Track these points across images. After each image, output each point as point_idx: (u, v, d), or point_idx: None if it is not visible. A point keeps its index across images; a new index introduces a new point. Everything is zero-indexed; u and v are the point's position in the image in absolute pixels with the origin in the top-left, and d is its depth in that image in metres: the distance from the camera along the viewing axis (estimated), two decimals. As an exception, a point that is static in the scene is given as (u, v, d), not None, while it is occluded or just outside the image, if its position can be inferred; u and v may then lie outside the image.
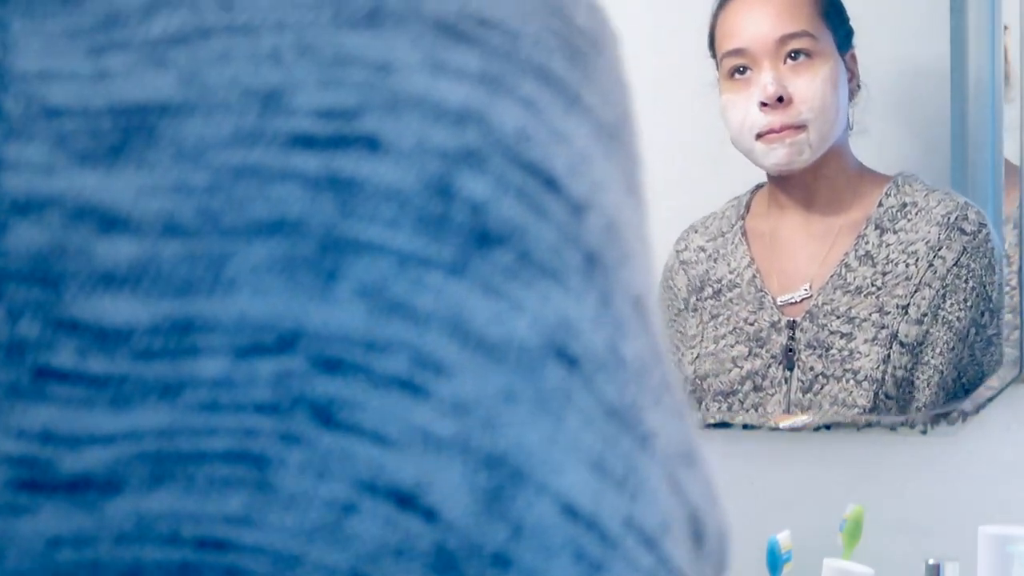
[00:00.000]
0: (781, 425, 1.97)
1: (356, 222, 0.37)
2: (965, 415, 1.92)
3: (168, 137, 0.37)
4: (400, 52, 0.39)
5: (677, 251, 2.09)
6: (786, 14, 1.97)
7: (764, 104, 1.96)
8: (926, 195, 1.95)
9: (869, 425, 1.94)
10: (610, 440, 0.38)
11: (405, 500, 0.36)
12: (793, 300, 1.98)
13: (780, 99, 1.95)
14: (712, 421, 2.00)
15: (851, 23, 1.98)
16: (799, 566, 1.84)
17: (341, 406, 0.36)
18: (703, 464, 0.42)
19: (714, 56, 2.03)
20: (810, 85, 1.95)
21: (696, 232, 2.08)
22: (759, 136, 1.97)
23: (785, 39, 1.96)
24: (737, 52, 1.99)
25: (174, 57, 0.38)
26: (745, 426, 1.99)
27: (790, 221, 2.02)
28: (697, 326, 2.04)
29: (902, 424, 1.93)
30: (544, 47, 0.41)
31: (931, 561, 1.76)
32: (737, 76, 1.99)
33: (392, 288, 0.37)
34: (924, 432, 1.92)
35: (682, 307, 2.07)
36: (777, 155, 1.96)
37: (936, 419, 1.92)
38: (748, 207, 2.06)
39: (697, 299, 2.05)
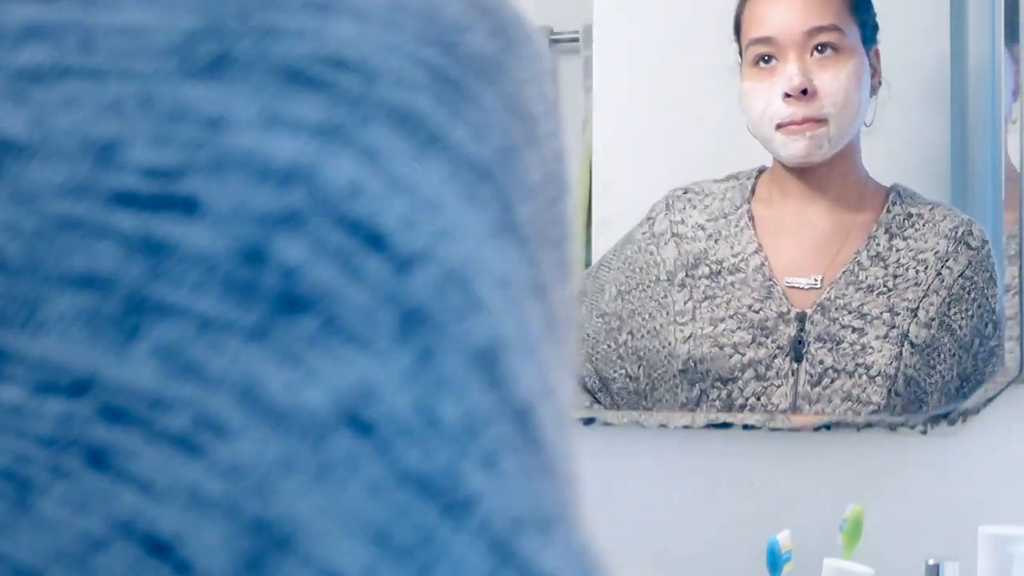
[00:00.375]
0: (795, 424, 1.97)
1: (162, 285, 0.37)
2: (965, 415, 1.92)
3: (10, 176, 0.38)
4: (235, 105, 0.38)
5: (671, 221, 2.07)
6: (815, 6, 1.96)
7: (788, 95, 1.94)
8: (931, 209, 1.96)
9: (869, 425, 1.94)
10: (401, 510, 0.36)
11: (159, 548, 0.36)
12: (799, 286, 1.98)
13: (804, 91, 1.94)
14: (713, 422, 2.00)
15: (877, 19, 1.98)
16: (799, 566, 1.84)
17: (115, 452, 0.36)
18: (569, 529, 0.40)
19: (738, 41, 2.02)
20: (835, 79, 1.94)
21: (694, 208, 2.07)
22: (779, 127, 1.96)
23: (813, 32, 1.95)
24: (764, 40, 1.98)
25: (30, 94, 0.38)
26: (745, 426, 1.99)
27: (795, 210, 2.01)
28: (686, 303, 2.03)
29: (902, 424, 1.93)
30: (406, 84, 0.40)
31: (931, 561, 1.76)
32: (762, 65, 1.98)
33: (188, 350, 0.37)
34: (924, 432, 1.93)
35: (665, 279, 2.05)
36: (797, 147, 1.96)
37: (936, 419, 1.92)
38: (753, 191, 2.05)
39: (687, 275, 2.04)
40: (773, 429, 1.97)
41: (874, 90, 1.97)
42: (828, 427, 1.95)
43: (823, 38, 1.95)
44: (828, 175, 1.98)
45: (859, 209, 1.99)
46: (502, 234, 0.41)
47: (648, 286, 2.06)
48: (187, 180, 0.38)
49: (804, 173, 2.00)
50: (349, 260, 0.38)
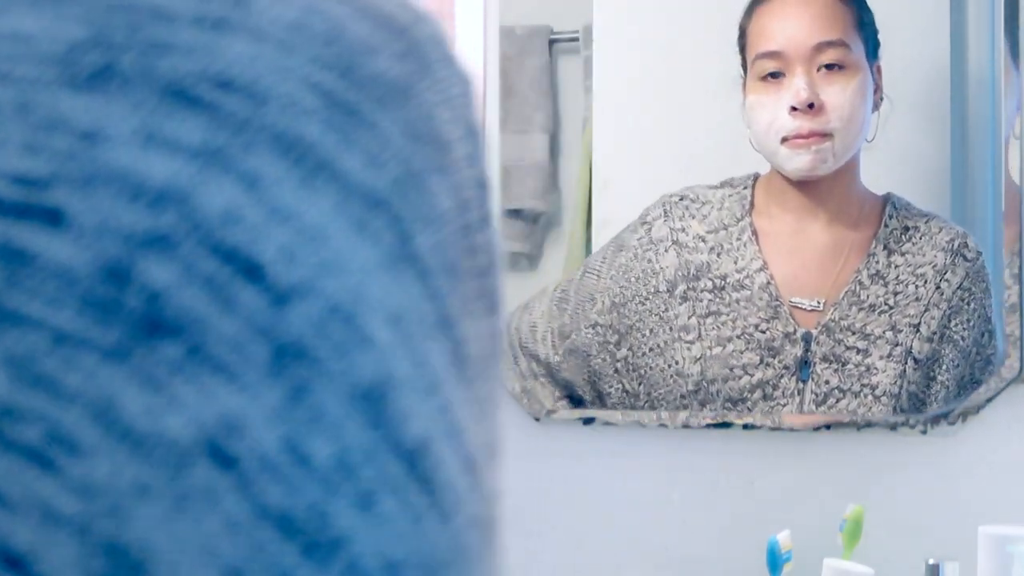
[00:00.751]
0: (795, 424, 1.97)
1: (18, 294, 0.36)
2: (965, 415, 1.92)
3: None
4: (113, 120, 0.37)
5: (671, 228, 2.07)
6: (823, 21, 1.96)
7: (794, 109, 1.94)
8: (926, 221, 1.96)
9: (869, 425, 1.94)
10: (258, 547, 0.35)
11: (14, 562, 0.35)
12: (802, 307, 1.98)
13: (811, 105, 1.93)
14: (713, 421, 2.00)
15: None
16: (799, 566, 1.84)
17: None
18: (471, 566, 0.39)
19: (741, 53, 2.02)
20: (842, 94, 1.94)
21: (693, 217, 2.06)
22: (784, 140, 1.96)
23: (821, 46, 1.95)
24: (771, 55, 1.97)
25: None
26: (745, 426, 1.99)
27: (795, 225, 2.01)
28: (689, 318, 2.03)
29: (902, 424, 1.93)
30: (296, 110, 0.39)
31: (931, 561, 1.76)
32: (769, 79, 1.97)
33: (40, 363, 0.36)
34: (924, 432, 1.93)
35: (664, 290, 2.05)
36: (801, 160, 1.95)
37: (936, 419, 1.92)
38: (752, 202, 2.05)
39: (689, 288, 2.04)
40: (773, 429, 1.97)
41: (876, 106, 1.97)
42: (828, 427, 1.95)
43: (831, 54, 1.94)
44: (830, 190, 1.98)
45: (857, 225, 1.99)
46: (396, 266, 0.39)
47: (647, 298, 2.05)
48: (54, 191, 0.37)
49: (805, 186, 1.99)
50: (220, 289, 0.37)
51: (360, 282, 0.38)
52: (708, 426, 2.00)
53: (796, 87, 1.94)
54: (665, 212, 2.07)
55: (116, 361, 0.36)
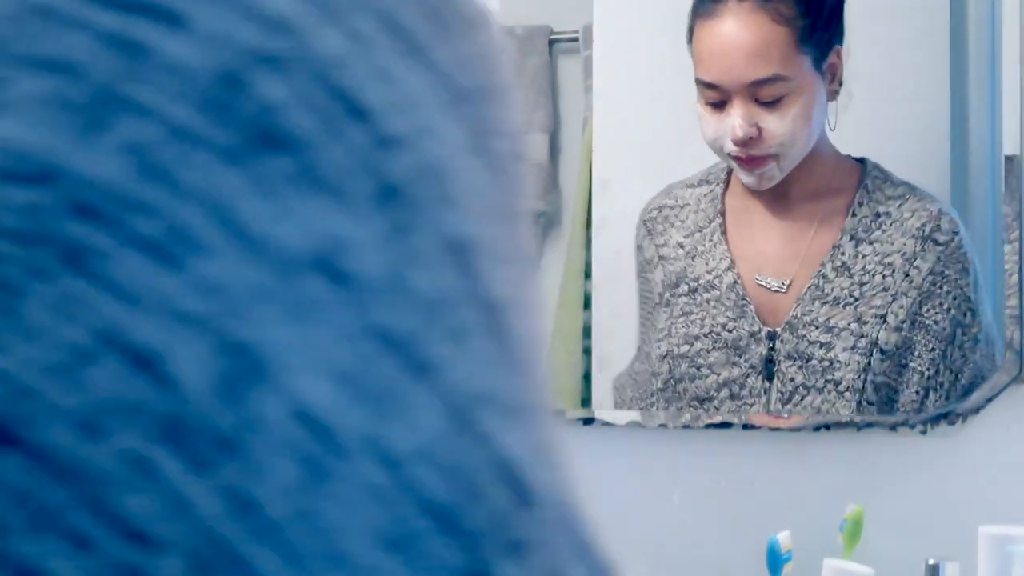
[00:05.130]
0: (794, 424, 1.97)
1: (137, 84, 0.37)
2: (965, 415, 1.92)
3: None
4: None
5: (656, 245, 2.08)
6: (759, 55, 1.95)
7: (734, 141, 1.96)
8: (899, 204, 1.96)
9: (869, 425, 1.94)
10: (367, 358, 0.38)
11: (143, 361, 0.36)
12: (769, 286, 1.99)
13: (750, 138, 1.94)
14: (713, 422, 2.00)
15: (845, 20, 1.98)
16: (799, 566, 1.84)
17: (93, 254, 0.37)
18: (538, 427, 0.41)
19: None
20: (780, 123, 1.94)
21: (673, 226, 2.07)
22: (735, 161, 1.98)
23: (756, 84, 1.94)
24: (710, 86, 1.97)
25: None
26: (745, 426, 1.99)
27: (766, 203, 2.02)
28: (666, 320, 2.04)
29: (902, 424, 1.93)
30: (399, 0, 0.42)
31: (931, 561, 1.76)
32: (711, 107, 1.98)
33: (160, 154, 0.37)
34: (924, 432, 1.93)
35: (656, 302, 2.07)
36: (748, 178, 1.99)
37: (936, 419, 1.92)
38: (727, 185, 2.06)
39: (671, 295, 2.05)
40: (773, 429, 1.97)
41: (834, 95, 1.97)
42: (828, 427, 1.95)
43: (766, 90, 1.94)
44: (794, 176, 1.99)
45: (828, 195, 2.00)
46: (476, 154, 0.42)
47: (648, 315, 2.07)
48: None
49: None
50: (331, 120, 0.39)
51: (449, 153, 0.41)
52: (708, 426, 2.00)
53: (733, 124, 1.95)
54: (648, 230, 2.09)
55: (232, 163, 0.37)
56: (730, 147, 1.96)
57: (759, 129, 1.94)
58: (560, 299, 2.12)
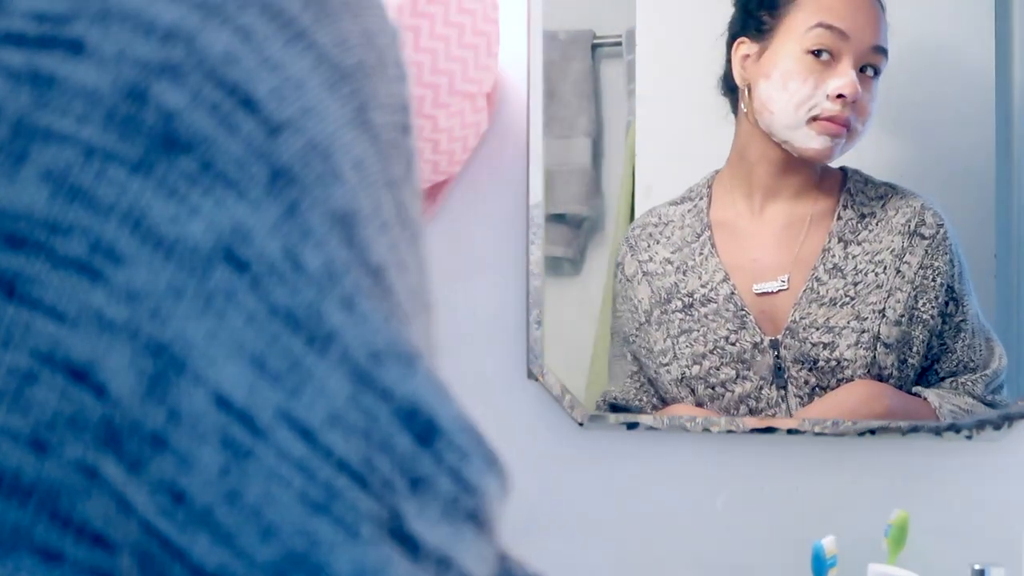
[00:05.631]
0: (839, 429, 1.97)
1: (48, 113, 0.40)
2: (1011, 420, 1.91)
3: None
4: None
5: (640, 261, 2.07)
6: (879, 22, 1.96)
7: (841, 96, 1.94)
8: (883, 203, 1.96)
9: (914, 430, 1.93)
10: (272, 338, 0.40)
11: (78, 374, 0.39)
12: (770, 291, 1.99)
13: (855, 101, 1.94)
14: (757, 427, 1.99)
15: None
16: (844, 571, 1.83)
17: (24, 280, 0.39)
18: (424, 366, 0.44)
19: (770, 12, 2.00)
20: (871, 101, 1.95)
21: (658, 243, 2.07)
22: (814, 119, 1.95)
23: (877, 50, 1.95)
24: (835, 31, 1.95)
25: None
26: (789, 431, 1.98)
27: (756, 207, 2.02)
28: (665, 340, 2.03)
29: (947, 429, 1.92)
30: None
31: (977, 566, 1.75)
32: (814, 56, 1.95)
33: (76, 176, 0.39)
34: (969, 437, 1.92)
35: (643, 320, 2.05)
36: (822, 142, 1.95)
37: (981, 424, 1.91)
38: (710, 199, 2.06)
39: (662, 312, 2.04)
40: (817, 434, 1.97)
41: None
42: (873, 432, 1.95)
43: (877, 60, 1.95)
44: (795, 172, 2.00)
45: (816, 198, 2.00)
46: (357, 127, 0.45)
47: (634, 335, 2.06)
48: (74, 25, 0.41)
49: (774, 169, 2.01)
50: (226, 116, 0.41)
51: (333, 130, 0.44)
52: (752, 431, 2.00)
53: (849, 77, 1.93)
54: (631, 247, 2.08)
55: (142, 173, 0.40)
56: (827, 107, 1.94)
57: (859, 98, 1.94)
58: (603, 303, 2.12)
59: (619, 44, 2.15)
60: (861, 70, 1.95)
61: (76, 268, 0.39)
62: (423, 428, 0.42)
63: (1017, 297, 1.94)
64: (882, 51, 1.95)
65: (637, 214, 2.11)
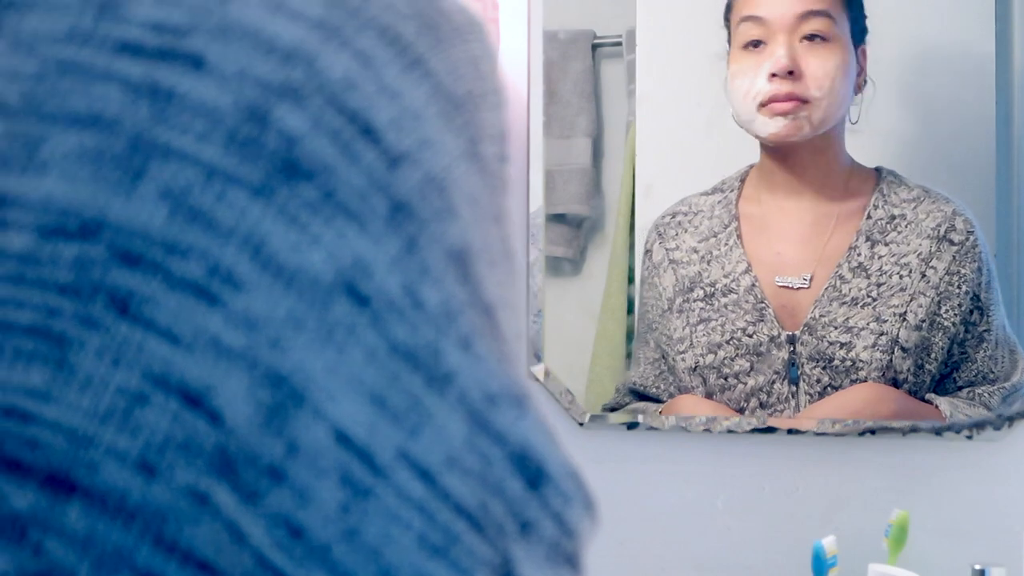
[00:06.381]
0: (839, 429, 1.97)
1: (168, 130, 0.39)
2: (1011, 420, 1.91)
3: (9, 28, 0.40)
4: None
5: (667, 249, 2.08)
6: None
7: (774, 75, 1.97)
8: (914, 207, 1.96)
9: (914, 430, 1.93)
10: (393, 376, 0.40)
11: (192, 399, 0.38)
12: (791, 285, 1.99)
13: (791, 72, 1.96)
14: (757, 426, 1.99)
15: (876, 17, 1.97)
16: (844, 571, 1.83)
17: (139, 300, 0.38)
18: (534, 409, 0.43)
19: (727, 24, 2.04)
20: (822, 66, 1.96)
21: (686, 232, 2.08)
22: (762, 105, 1.98)
23: (805, 16, 1.97)
24: (755, 19, 2.00)
25: None
26: (790, 431, 1.98)
27: (782, 204, 2.02)
28: (684, 328, 2.03)
29: (947, 429, 1.92)
30: (396, 12, 0.43)
31: (977, 566, 1.75)
32: (750, 48, 2.00)
33: (196, 196, 0.39)
34: (969, 437, 1.92)
35: (666, 308, 2.06)
36: (777, 124, 1.98)
37: (982, 424, 1.91)
38: (740, 192, 2.06)
39: (684, 300, 2.05)
40: (818, 434, 1.97)
41: (859, 88, 1.98)
42: (873, 432, 1.95)
43: (814, 24, 1.96)
44: (812, 165, 2.00)
45: (843, 198, 2.00)
46: (470, 160, 0.44)
47: (656, 321, 2.07)
48: (194, 39, 0.40)
49: (787, 163, 2.01)
50: (347, 144, 0.41)
51: (448, 163, 0.43)
52: (753, 431, 2.00)
53: (776, 55, 1.97)
54: (660, 235, 2.09)
55: (263, 198, 0.39)
56: (766, 89, 1.97)
57: (800, 69, 1.96)
58: (603, 304, 2.12)
59: (619, 44, 2.15)
60: (808, 40, 1.96)
61: (193, 290, 0.38)
62: (533, 472, 0.42)
63: (1017, 297, 1.94)
64: (818, 13, 1.96)
65: (637, 214, 2.11)
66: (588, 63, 2.15)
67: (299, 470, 0.38)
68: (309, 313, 0.39)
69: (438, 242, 0.42)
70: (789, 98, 1.96)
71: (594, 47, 2.16)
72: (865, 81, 1.98)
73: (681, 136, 2.13)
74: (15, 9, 0.40)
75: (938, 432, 1.93)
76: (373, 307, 0.40)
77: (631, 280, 2.13)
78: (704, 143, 2.11)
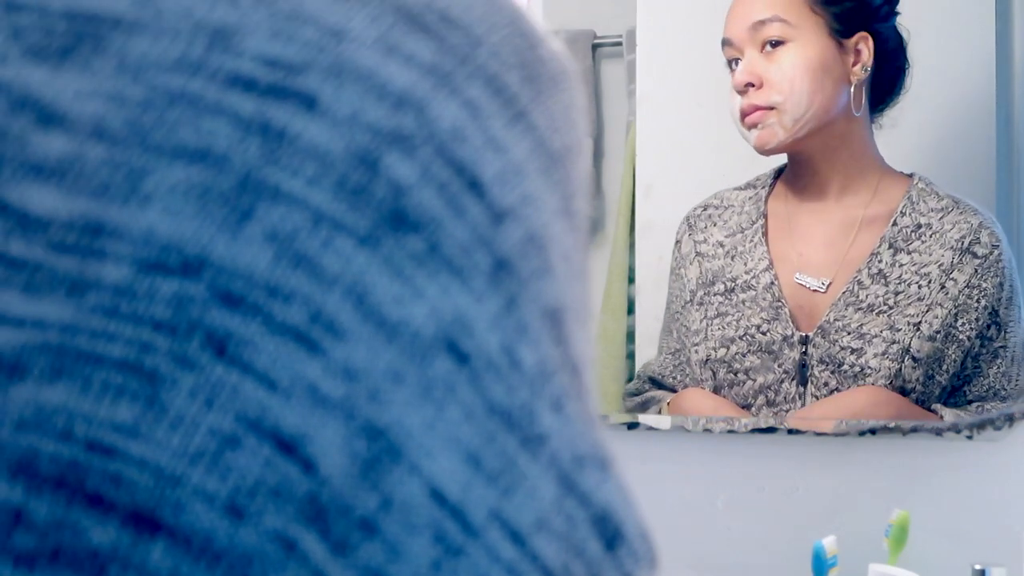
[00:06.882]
0: (840, 429, 1.97)
1: (278, 171, 0.38)
2: (1012, 420, 1.91)
3: (115, 49, 0.39)
4: (357, 24, 0.40)
5: (695, 241, 2.09)
6: (762, 1, 2.00)
7: (737, 91, 2.00)
8: (941, 216, 1.95)
9: (915, 430, 1.93)
10: (489, 436, 0.39)
11: (286, 446, 0.37)
12: (808, 285, 1.99)
13: (751, 84, 1.99)
14: (757, 426, 1.99)
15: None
16: (845, 571, 1.83)
17: (237, 342, 0.37)
18: (616, 471, 0.43)
19: (723, 50, 2.07)
20: (779, 70, 1.98)
21: (715, 225, 2.08)
22: (742, 119, 2.01)
23: (757, 25, 1.99)
24: (726, 41, 2.03)
25: None
26: (790, 431, 1.98)
27: (807, 204, 2.03)
28: (701, 321, 2.04)
29: (948, 429, 1.92)
30: (502, 60, 0.43)
31: (977, 566, 1.75)
32: (732, 68, 2.03)
33: (302, 241, 0.38)
34: (970, 437, 1.92)
35: (688, 299, 2.07)
36: (753, 135, 2.01)
37: (982, 424, 1.91)
38: (771, 189, 2.07)
39: (705, 293, 2.05)
40: (818, 434, 1.97)
41: (850, 80, 1.97)
42: (873, 432, 1.95)
43: (768, 31, 1.98)
44: (832, 166, 2.00)
45: (869, 202, 2.00)
46: (565, 216, 0.44)
47: (678, 313, 2.07)
48: (307, 77, 0.39)
49: (804, 165, 2.02)
50: (454, 196, 0.40)
51: (547, 220, 0.43)
52: (753, 431, 2.00)
53: (737, 71, 2.00)
54: (690, 226, 2.10)
55: (369, 247, 0.39)
56: (738, 103, 2.01)
57: (760, 78, 1.98)
58: (604, 304, 2.12)
59: (619, 44, 2.15)
60: (771, 47, 1.98)
61: (294, 336, 0.38)
62: (612, 534, 0.42)
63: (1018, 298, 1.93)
64: (771, 20, 1.97)
65: (637, 214, 2.11)
66: (588, 63, 2.15)
67: (392, 524, 0.38)
68: (409, 367, 0.38)
69: (536, 301, 0.41)
70: (754, 109, 1.99)
71: (594, 47, 2.16)
72: (866, 71, 1.97)
73: (681, 136, 2.13)
74: (122, 30, 0.39)
75: (938, 432, 1.93)
76: (472, 365, 0.39)
77: (631, 280, 2.13)
78: (704, 143, 2.11)
